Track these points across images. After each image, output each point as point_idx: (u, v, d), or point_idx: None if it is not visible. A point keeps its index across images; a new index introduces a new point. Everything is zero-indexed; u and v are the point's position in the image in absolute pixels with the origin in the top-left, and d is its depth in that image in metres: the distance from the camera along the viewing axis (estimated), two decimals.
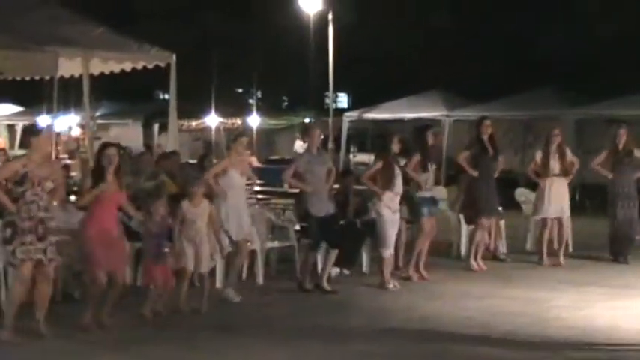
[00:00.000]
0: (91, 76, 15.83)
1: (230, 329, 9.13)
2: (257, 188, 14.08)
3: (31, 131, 18.46)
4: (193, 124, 35.25)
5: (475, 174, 12.68)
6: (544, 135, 14.08)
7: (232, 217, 10.40)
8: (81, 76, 15.84)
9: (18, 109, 34.80)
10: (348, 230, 11.93)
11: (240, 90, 46.40)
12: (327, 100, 35.50)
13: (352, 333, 9.05)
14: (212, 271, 10.54)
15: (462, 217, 13.47)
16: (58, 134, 23.57)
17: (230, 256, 10.59)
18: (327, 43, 29.47)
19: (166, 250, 9.68)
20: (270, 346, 8.48)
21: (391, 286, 11.26)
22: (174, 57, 15.56)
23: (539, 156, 13.39)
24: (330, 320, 9.65)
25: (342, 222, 11.92)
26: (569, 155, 13.45)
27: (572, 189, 13.51)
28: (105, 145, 9.46)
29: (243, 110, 37.61)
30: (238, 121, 35.36)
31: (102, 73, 16.38)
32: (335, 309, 10.25)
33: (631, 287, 11.45)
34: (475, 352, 8.36)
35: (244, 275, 11.41)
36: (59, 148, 20.98)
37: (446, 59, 35.27)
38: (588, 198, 18.85)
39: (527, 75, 28.93)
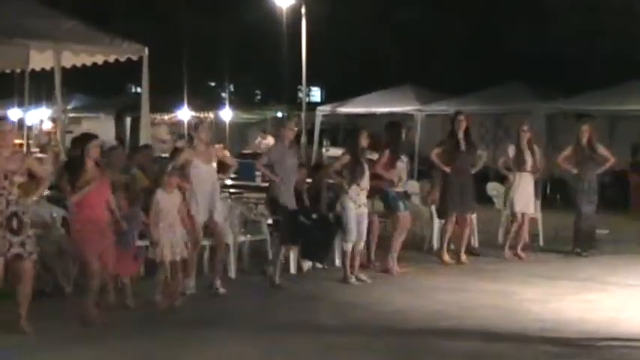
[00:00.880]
0: (63, 69, 15.72)
1: (203, 323, 9.13)
2: (229, 182, 14.08)
3: None
4: (166, 117, 35.14)
5: (447, 170, 12.75)
6: (514, 129, 14.21)
7: (201, 206, 10.37)
8: (52, 69, 15.74)
9: None
10: (320, 223, 11.98)
11: (213, 84, 46.25)
12: (300, 94, 35.46)
13: (324, 326, 9.10)
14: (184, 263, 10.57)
15: (434, 211, 13.55)
16: (30, 127, 23.42)
17: (212, 248, 10.65)
18: (301, 37, 29.47)
19: (137, 242, 9.69)
20: (244, 340, 8.48)
21: (353, 280, 11.32)
22: (146, 50, 15.51)
23: (512, 150, 13.48)
24: (303, 314, 9.70)
25: (314, 216, 11.97)
26: (537, 151, 13.59)
27: (543, 184, 13.64)
28: (87, 137, 9.36)
29: (215, 104, 37.51)
30: (211, 115, 35.24)
31: (74, 66, 16.30)
32: (307, 303, 10.29)
33: (598, 281, 11.58)
34: (446, 345, 8.42)
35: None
36: (30, 141, 20.85)
37: (418, 54, 35.36)
38: (558, 192, 19.02)
39: (498, 70, 29.04)
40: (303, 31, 29.31)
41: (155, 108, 19.03)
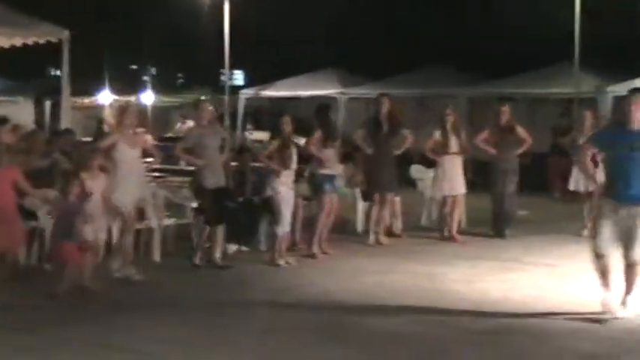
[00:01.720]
0: None
1: (131, 307, 9.10)
2: (154, 166, 13.97)
3: None
4: (86, 101, 34.65)
5: (369, 151, 12.84)
6: (438, 113, 14.33)
7: (122, 190, 10.27)
8: None
9: None
10: (246, 207, 11.99)
11: (134, 67, 45.77)
12: (223, 78, 35.27)
13: (252, 309, 9.11)
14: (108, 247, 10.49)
15: (358, 193, 13.64)
16: None
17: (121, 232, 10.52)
18: (223, 20, 29.30)
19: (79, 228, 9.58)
20: (173, 324, 8.44)
21: (282, 262, 11.36)
22: (66, 33, 15.25)
23: (438, 134, 13.58)
24: (230, 297, 9.70)
25: (240, 199, 11.98)
26: (462, 134, 13.72)
27: (465, 166, 13.79)
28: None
29: (137, 87, 37.13)
30: (132, 99, 34.87)
31: None
32: (234, 286, 10.28)
33: (519, 261, 11.77)
34: (372, 325, 8.50)
35: (141, 253, 11.36)
36: None
37: (341, 38, 35.47)
38: (481, 175, 19.24)
39: (421, 54, 29.31)
40: (226, 14, 29.15)
41: (75, 91, 18.74)
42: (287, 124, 11.48)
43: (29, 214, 10.03)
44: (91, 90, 33.14)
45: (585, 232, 12.76)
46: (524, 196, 15.31)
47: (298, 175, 11.88)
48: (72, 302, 9.11)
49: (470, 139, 13.86)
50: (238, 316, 8.79)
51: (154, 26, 36.92)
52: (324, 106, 13.11)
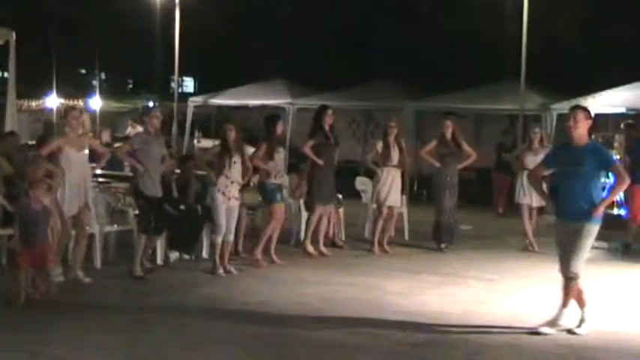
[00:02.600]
0: None
1: (66, 313, 9.02)
2: (98, 171, 13.89)
3: None
4: (33, 104, 34.35)
5: (320, 162, 12.90)
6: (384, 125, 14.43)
7: (72, 195, 10.20)
8: None
9: None
10: (188, 215, 11.97)
11: (83, 71, 45.42)
12: (173, 85, 35.17)
13: (190, 318, 9.08)
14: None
15: (302, 204, 13.68)
16: None
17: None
18: (174, 27, 29.22)
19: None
20: (107, 332, 8.39)
21: (221, 271, 11.36)
22: (13, 34, 15.13)
23: (379, 146, 13.68)
24: (168, 305, 9.66)
25: (182, 207, 11.96)
26: (404, 146, 13.84)
27: (410, 179, 13.90)
28: None
29: (85, 91, 36.90)
30: (80, 103, 34.62)
31: None
32: (173, 294, 10.25)
33: (460, 275, 11.87)
34: (309, 335, 8.52)
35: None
36: None
37: (291, 49, 35.58)
38: (425, 188, 19.40)
39: (369, 67, 29.54)
40: (177, 21, 29.06)
41: (22, 94, 18.61)
42: (230, 133, 11.47)
43: None
44: (38, 93, 32.88)
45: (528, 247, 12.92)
46: (467, 211, 15.44)
47: (245, 185, 11.90)
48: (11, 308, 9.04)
49: (415, 153, 13.97)
50: (172, 326, 8.73)
51: (104, 30, 36.67)
52: (272, 116, 13.17)
